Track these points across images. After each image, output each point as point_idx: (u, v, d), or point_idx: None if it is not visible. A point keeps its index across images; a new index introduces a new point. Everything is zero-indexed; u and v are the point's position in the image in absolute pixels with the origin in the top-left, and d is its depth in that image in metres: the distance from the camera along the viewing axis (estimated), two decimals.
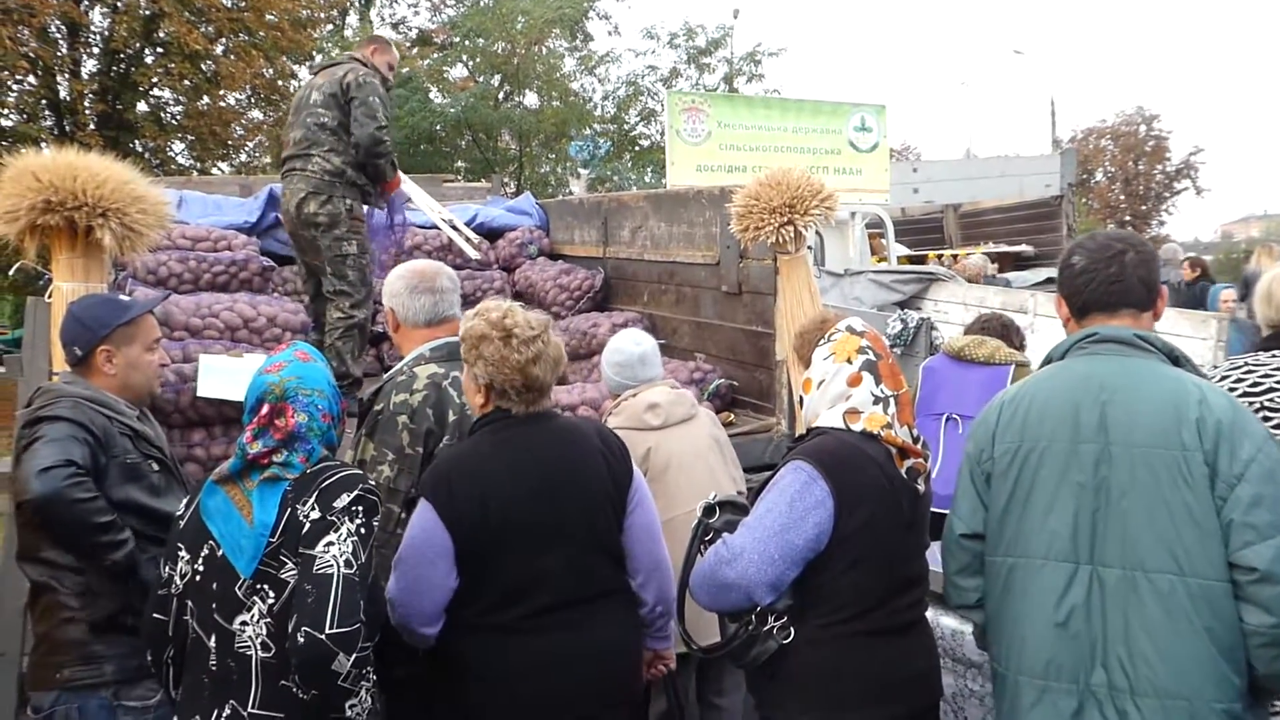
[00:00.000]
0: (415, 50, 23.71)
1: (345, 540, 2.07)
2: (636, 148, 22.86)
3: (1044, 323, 6.91)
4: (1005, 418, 2.23)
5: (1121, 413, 2.07)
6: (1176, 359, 2.15)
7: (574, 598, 2.41)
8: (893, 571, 2.33)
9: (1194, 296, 8.82)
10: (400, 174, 5.13)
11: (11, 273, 3.45)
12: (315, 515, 2.10)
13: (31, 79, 16.10)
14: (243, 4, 17.44)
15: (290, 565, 2.09)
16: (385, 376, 2.91)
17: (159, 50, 17.39)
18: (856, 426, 2.33)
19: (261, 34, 17.61)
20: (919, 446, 2.39)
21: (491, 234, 6.94)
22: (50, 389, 2.75)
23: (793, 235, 4.21)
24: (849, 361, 2.39)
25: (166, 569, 2.26)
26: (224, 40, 17.53)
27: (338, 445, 2.31)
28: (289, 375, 2.23)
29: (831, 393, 2.41)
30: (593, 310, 6.00)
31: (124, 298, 2.94)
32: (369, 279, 4.80)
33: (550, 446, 2.47)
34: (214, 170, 18.28)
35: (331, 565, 2.02)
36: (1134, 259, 2.22)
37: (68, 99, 16.35)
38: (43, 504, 2.44)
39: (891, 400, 2.35)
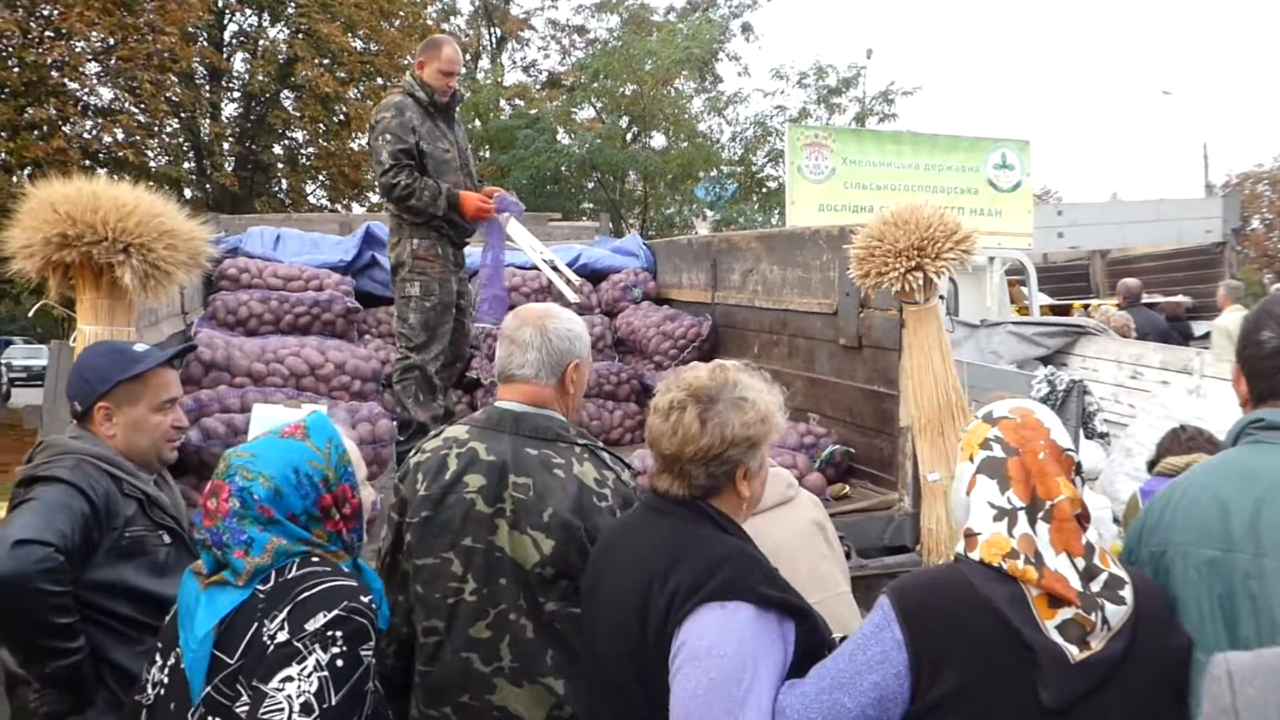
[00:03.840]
0: (544, 92, 23.89)
1: (309, 676, 1.58)
2: (764, 189, 22.34)
3: (1213, 385, 6.07)
4: (1155, 516, 1.87)
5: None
6: None
7: None
8: None
9: None
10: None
11: (31, 314, 3.16)
12: (281, 637, 1.63)
13: (174, 122, 16.70)
14: (374, 49, 17.80)
15: (245, 698, 1.63)
16: None
17: (294, 94, 17.81)
18: (974, 555, 1.72)
19: (394, 78, 17.89)
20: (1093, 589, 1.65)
21: (595, 276, 6.54)
22: (54, 444, 2.40)
23: (921, 283, 3.63)
24: (970, 460, 1.81)
25: (146, 671, 1.84)
26: (358, 86, 17.88)
27: (345, 547, 1.86)
28: (246, 450, 1.81)
29: (957, 505, 1.83)
30: (698, 360, 5.46)
31: (138, 348, 2.57)
32: (432, 323, 4.52)
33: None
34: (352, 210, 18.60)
35: (282, 710, 1.55)
36: None
37: (207, 140, 16.88)
38: (3, 583, 2.05)
39: (1021, 515, 1.69)
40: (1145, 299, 10.07)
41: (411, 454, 2.39)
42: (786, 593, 1.90)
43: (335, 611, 1.65)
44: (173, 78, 15.52)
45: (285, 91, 17.89)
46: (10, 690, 2.35)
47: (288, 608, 1.66)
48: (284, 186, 18.98)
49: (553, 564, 2.24)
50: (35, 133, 13.64)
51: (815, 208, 8.91)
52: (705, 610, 1.82)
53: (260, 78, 17.12)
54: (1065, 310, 10.02)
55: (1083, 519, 1.71)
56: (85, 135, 15.11)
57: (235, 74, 18.09)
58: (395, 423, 4.18)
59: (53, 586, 2.10)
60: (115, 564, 2.30)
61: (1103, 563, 1.68)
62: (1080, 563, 1.67)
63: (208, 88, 17.46)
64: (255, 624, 1.66)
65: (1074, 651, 1.63)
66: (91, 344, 2.68)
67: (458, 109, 4.87)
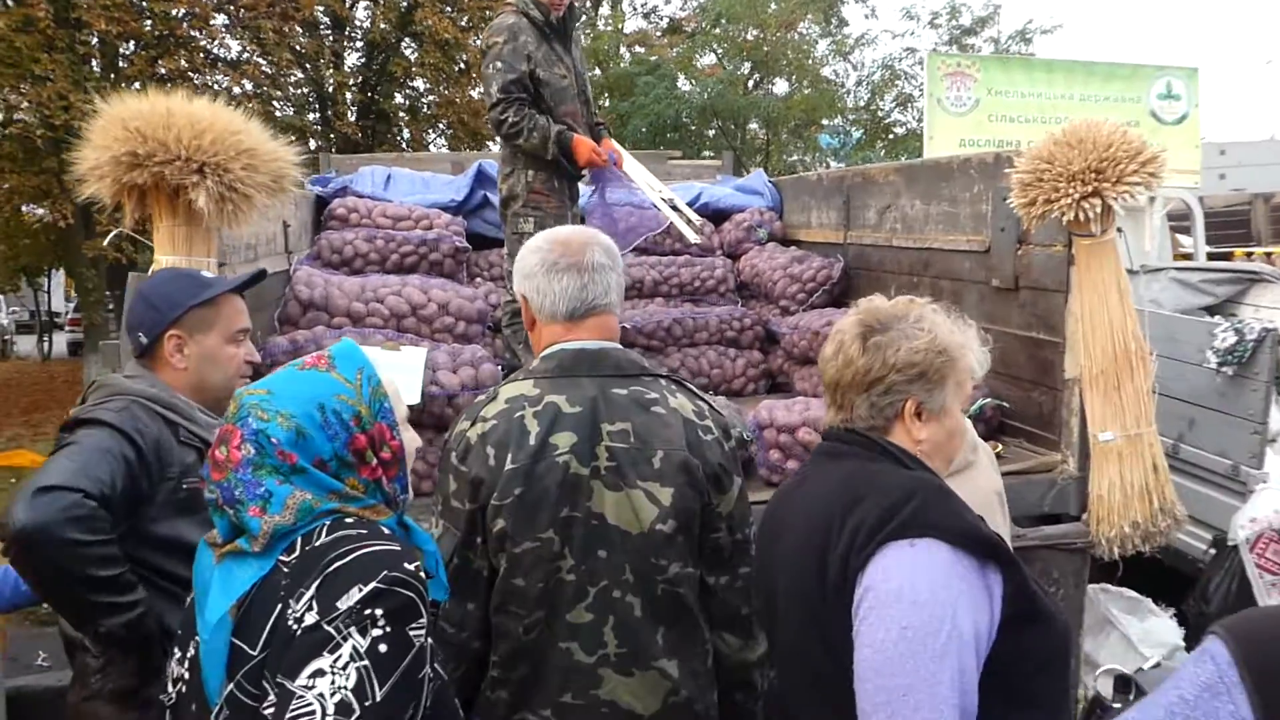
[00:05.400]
0: (665, 38, 23.39)
1: (345, 669, 1.27)
2: (890, 136, 21.45)
3: None
4: None
5: None
6: None
7: None
8: None
9: None
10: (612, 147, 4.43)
11: (106, 243, 2.94)
12: (309, 620, 1.31)
13: (299, 73, 16.84)
14: None
15: (271, 697, 1.32)
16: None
17: (414, 42, 17.75)
18: None
19: None
20: None
21: (717, 216, 6.14)
22: (107, 383, 2.17)
23: (1099, 211, 3.12)
24: None
25: (168, 664, 1.56)
26: (478, 33, 17.70)
27: (387, 500, 1.53)
28: (259, 388, 1.49)
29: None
30: (828, 305, 5.06)
31: (206, 274, 2.32)
32: None
33: None
34: None
35: (313, 712, 1.24)
36: None
37: (330, 90, 16.97)
38: (23, 536, 1.81)
39: None
40: None
41: (466, 425, 1.95)
42: (989, 533, 1.57)
43: (373, 584, 1.32)
44: (297, 27, 15.62)
45: (406, 39, 17.84)
46: (70, 655, 2.14)
47: (316, 582, 1.33)
48: (405, 136, 19.00)
49: (674, 515, 1.89)
50: (168, 85, 13.84)
51: (956, 143, 8.22)
52: (892, 549, 1.55)
53: (382, 26, 17.11)
54: (1226, 258, 9.12)
55: None
56: (215, 87, 15.36)
57: (357, 22, 18.11)
58: (500, 368, 3.89)
59: (85, 535, 1.85)
60: (171, 518, 2.07)
61: None
62: None
63: (330, 37, 17.54)
64: (279, 604, 1.34)
65: None
66: (154, 273, 2.44)
67: (575, 28, 4.50)
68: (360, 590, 1.31)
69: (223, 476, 1.43)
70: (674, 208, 5.04)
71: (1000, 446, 3.64)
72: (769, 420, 3.35)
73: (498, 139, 4.31)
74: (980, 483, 2.45)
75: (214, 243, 2.73)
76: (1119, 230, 3.29)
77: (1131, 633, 3.60)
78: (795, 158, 22.67)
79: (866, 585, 1.54)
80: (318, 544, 1.39)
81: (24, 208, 14.69)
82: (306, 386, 1.47)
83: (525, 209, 4.20)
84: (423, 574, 1.40)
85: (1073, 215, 3.12)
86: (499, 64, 4.11)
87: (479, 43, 16.59)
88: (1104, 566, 3.43)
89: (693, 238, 5.08)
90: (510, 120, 4.07)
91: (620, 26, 23.92)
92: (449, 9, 16.95)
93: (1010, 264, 3.75)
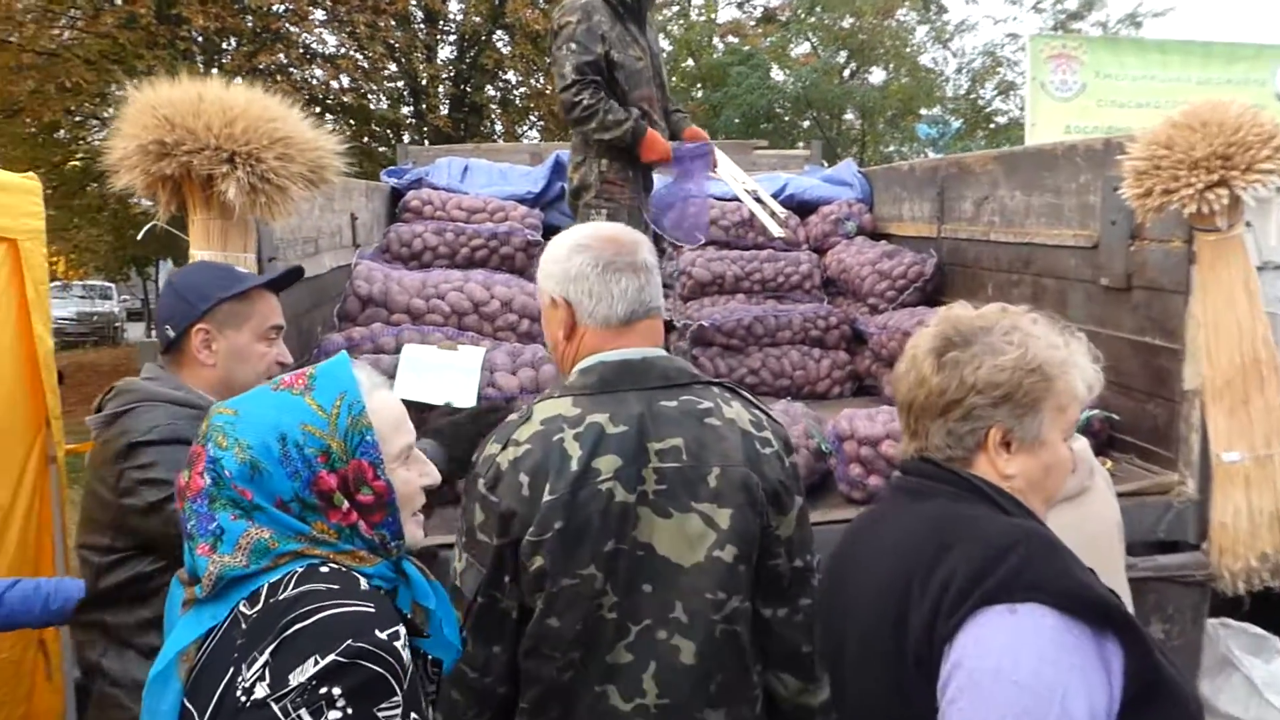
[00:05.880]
0: (759, 28, 23.03)
1: None
2: (991, 125, 20.75)
3: None
4: None
5: None
6: None
7: None
8: None
9: None
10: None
11: (140, 237, 2.83)
12: (259, 693, 1.11)
13: (392, 65, 16.97)
14: None
15: None
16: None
17: (506, 34, 17.75)
18: None
19: None
20: None
21: (803, 208, 5.84)
22: (129, 389, 2.03)
23: (1226, 203, 2.78)
24: None
25: None
26: None
27: (370, 547, 1.32)
28: (230, 406, 1.29)
29: None
30: (920, 304, 4.74)
31: (240, 268, 2.18)
32: None
33: None
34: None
35: None
36: None
37: (423, 83, 17.07)
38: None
39: None
40: None
41: (496, 450, 1.70)
42: (1105, 595, 1.31)
43: (332, 656, 1.11)
44: (391, 21, 15.73)
45: (498, 32, 17.85)
46: (90, 681, 2.02)
47: (272, 645, 1.13)
48: (498, 128, 19.02)
49: (735, 539, 1.66)
50: (266, 80, 14.11)
51: (1061, 129, 7.70)
52: (987, 616, 1.31)
53: (474, 19, 17.14)
54: None
55: None
56: (313, 81, 15.58)
57: (450, 15, 18.19)
58: None
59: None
60: None
61: None
62: None
63: (423, 30, 17.64)
64: (230, 668, 1.14)
65: None
66: (187, 264, 2.31)
67: (650, 8, 4.27)
68: (316, 663, 1.10)
69: (182, 505, 1.24)
70: (757, 199, 4.78)
71: (1110, 464, 3.30)
72: (850, 431, 3.09)
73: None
74: (1098, 511, 2.15)
75: (251, 236, 2.59)
76: (1247, 224, 2.94)
77: (1256, 675, 3.22)
78: (892, 148, 22.16)
79: (956, 660, 1.29)
80: (281, 597, 1.19)
81: (132, 200, 15.15)
82: (272, 411, 1.27)
83: (598, 200, 4.00)
84: (402, 641, 1.18)
85: (1195, 208, 2.78)
86: (573, 45, 3.90)
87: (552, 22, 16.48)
88: (1226, 601, 3.08)
89: (776, 231, 4.81)
90: (585, 104, 3.87)
91: (713, 16, 23.63)
92: (540, 1, 16.87)
93: (1121, 261, 3.40)
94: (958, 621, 1.31)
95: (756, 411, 1.82)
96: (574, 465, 1.63)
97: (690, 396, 1.74)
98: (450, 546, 1.85)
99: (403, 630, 1.19)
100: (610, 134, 3.90)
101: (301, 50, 15.53)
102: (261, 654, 1.13)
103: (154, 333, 2.73)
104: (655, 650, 1.66)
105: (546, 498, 1.62)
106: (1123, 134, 3.34)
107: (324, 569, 1.23)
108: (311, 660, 1.11)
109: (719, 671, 1.69)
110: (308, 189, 2.55)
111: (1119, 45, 9.44)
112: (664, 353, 1.81)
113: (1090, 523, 2.06)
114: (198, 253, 2.48)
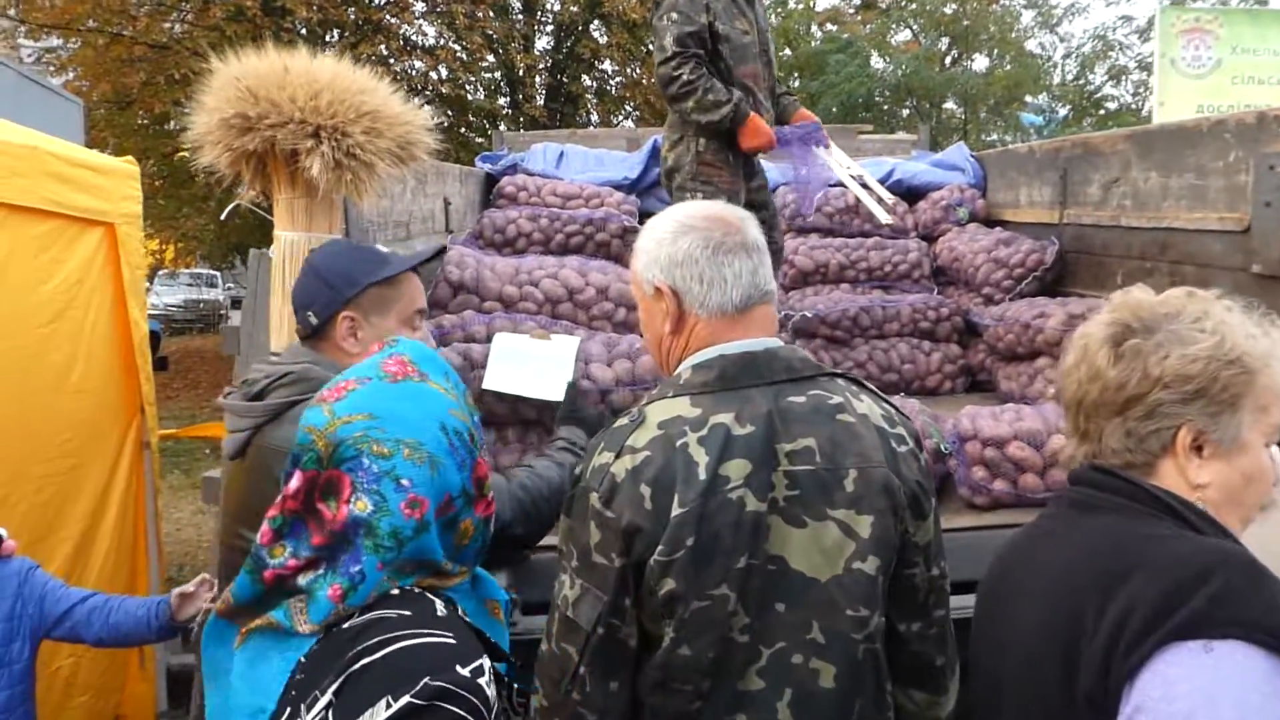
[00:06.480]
0: (858, 15, 22.55)
1: None
2: (1101, 111, 19.94)
3: None
4: None
5: None
6: None
7: None
8: None
9: None
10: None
11: (223, 217, 2.72)
12: None
13: (490, 56, 17.02)
14: None
15: None
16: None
17: (602, 24, 17.66)
18: None
19: None
20: None
21: (912, 194, 5.58)
22: (310, 376, 1.87)
23: None
24: None
25: None
26: None
27: (473, 557, 1.17)
28: (352, 412, 1.13)
29: None
30: (1039, 294, 4.44)
31: (382, 249, 2.08)
32: None
33: None
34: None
35: None
36: None
37: (520, 74, 17.10)
38: None
39: None
40: None
41: (609, 458, 1.50)
42: None
43: (406, 699, 0.95)
44: (490, 12, 15.77)
45: (595, 21, 17.77)
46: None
47: (336, 683, 0.98)
48: (594, 119, 18.97)
49: (876, 549, 1.48)
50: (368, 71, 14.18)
51: (1192, 109, 7.22)
52: (1177, 653, 1.10)
53: (571, 8, 17.09)
54: None
55: None
56: (411, 73, 15.72)
57: (548, 6, 18.18)
58: None
59: None
60: None
61: None
62: None
63: (521, 21, 17.66)
64: (287, 709, 1.00)
65: None
66: (326, 242, 2.19)
67: None
68: (389, 705, 0.95)
69: (324, 540, 1.09)
70: (863, 184, 4.54)
71: None
72: (973, 431, 2.84)
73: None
74: None
75: (338, 216, 2.46)
76: None
77: None
78: (994, 137, 21.46)
79: (1138, 704, 1.08)
80: (346, 626, 1.04)
81: (237, 190, 15.46)
82: (415, 404, 1.14)
83: (693, 183, 3.79)
84: (487, 677, 1.02)
85: None
86: (674, 15, 3.68)
87: None
88: None
89: (884, 218, 4.56)
90: (684, 79, 3.65)
91: (812, 4, 23.22)
92: None
93: (1277, 246, 3.09)
94: (1140, 659, 1.10)
95: (887, 406, 1.62)
96: (702, 473, 1.45)
97: (819, 391, 1.55)
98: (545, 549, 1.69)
99: (487, 663, 1.03)
100: (708, 116, 3.68)
101: (401, 42, 15.66)
102: (324, 691, 0.98)
103: (244, 319, 2.61)
104: (791, 676, 1.47)
105: (675, 511, 1.43)
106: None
107: (395, 591, 1.08)
108: (384, 703, 0.95)
109: (859, 696, 1.50)
110: (396, 166, 2.42)
111: (1261, 17, 8.72)
112: (783, 343, 1.62)
113: None
114: (283, 234, 2.37)
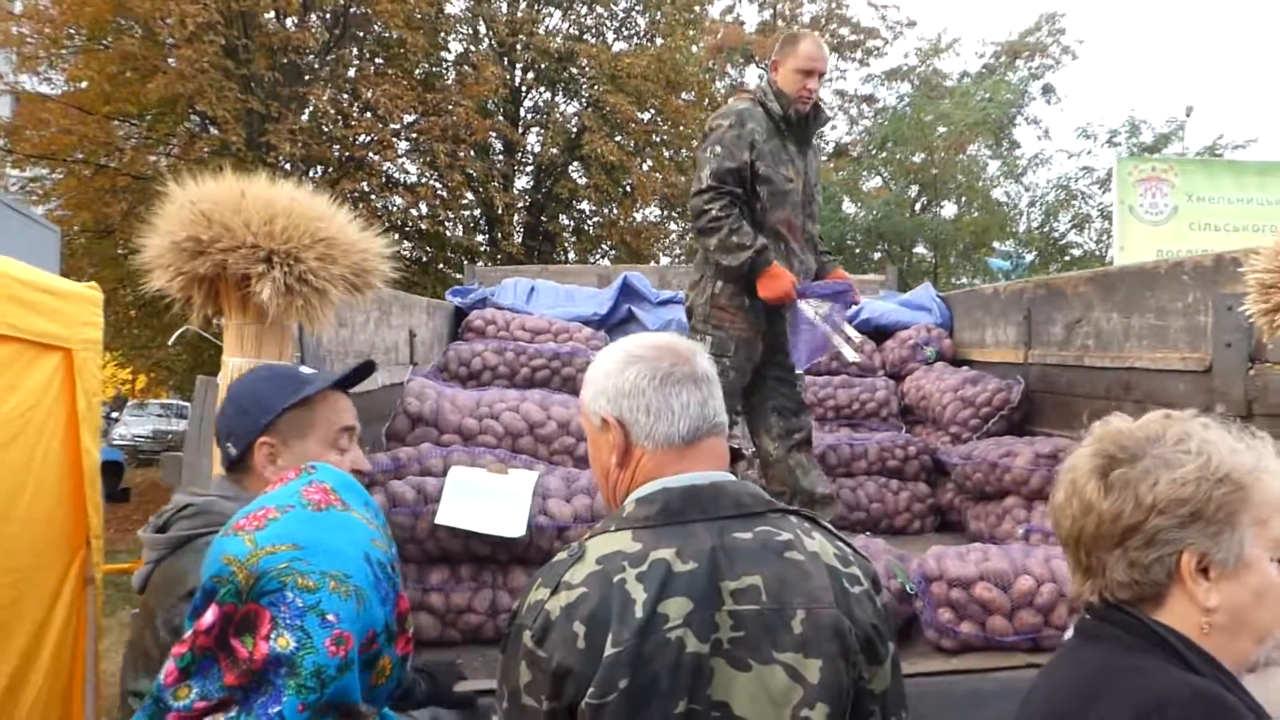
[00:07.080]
0: (830, 162, 23.27)
1: None
2: (1066, 258, 20.46)
3: None
4: None
5: None
6: None
7: None
8: None
9: None
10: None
11: (171, 343, 2.67)
12: None
13: (470, 195, 17.37)
14: (660, 121, 17.83)
15: None
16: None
17: (581, 165, 18.12)
18: None
19: (681, 148, 17.84)
20: None
21: (880, 333, 5.64)
22: (211, 509, 1.81)
23: None
24: None
25: None
26: (645, 158, 17.93)
27: (384, 699, 1.08)
28: (276, 542, 1.06)
29: None
30: (1006, 433, 4.43)
31: (304, 369, 2.00)
32: (727, 384, 3.53)
33: None
34: None
35: None
36: None
37: (499, 212, 17.45)
38: None
39: None
40: None
41: (544, 595, 1.41)
42: None
43: None
44: (471, 151, 16.15)
45: (574, 163, 18.23)
46: None
47: None
48: (570, 257, 19.28)
49: (824, 698, 1.37)
50: (347, 206, 14.40)
51: (1152, 254, 7.40)
52: None
53: (551, 150, 17.55)
54: None
55: None
56: (392, 209, 15.99)
57: (528, 147, 18.66)
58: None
59: None
60: None
61: None
62: None
63: (501, 161, 18.09)
64: None
65: None
66: (246, 371, 2.12)
67: (818, 132, 4.02)
68: None
69: (238, 678, 1.00)
70: (832, 324, 4.56)
71: None
72: (938, 571, 2.77)
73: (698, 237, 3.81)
74: None
75: (288, 343, 2.40)
76: None
77: None
78: (963, 280, 21.92)
79: None
80: None
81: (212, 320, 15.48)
82: (340, 534, 1.07)
83: (704, 325, 3.72)
84: None
85: None
86: (718, 149, 3.65)
87: (653, 176, 16.91)
88: None
89: (851, 356, 4.56)
90: (714, 214, 3.60)
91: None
92: (617, 136, 17.25)
93: (1240, 385, 3.10)
94: None
95: (840, 544, 1.55)
96: (639, 611, 1.36)
97: (767, 527, 1.48)
98: (491, 692, 1.59)
99: None
100: (729, 258, 3.61)
101: (383, 178, 15.97)
102: None
103: (187, 448, 2.53)
104: None
105: (609, 651, 1.34)
106: (1238, 251, 3.08)
107: None
108: None
109: None
110: (351, 293, 2.38)
111: (1213, 167, 9.07)
112: (733, 476, 1.56)
113: None
114: (230, 360, 2.32)
